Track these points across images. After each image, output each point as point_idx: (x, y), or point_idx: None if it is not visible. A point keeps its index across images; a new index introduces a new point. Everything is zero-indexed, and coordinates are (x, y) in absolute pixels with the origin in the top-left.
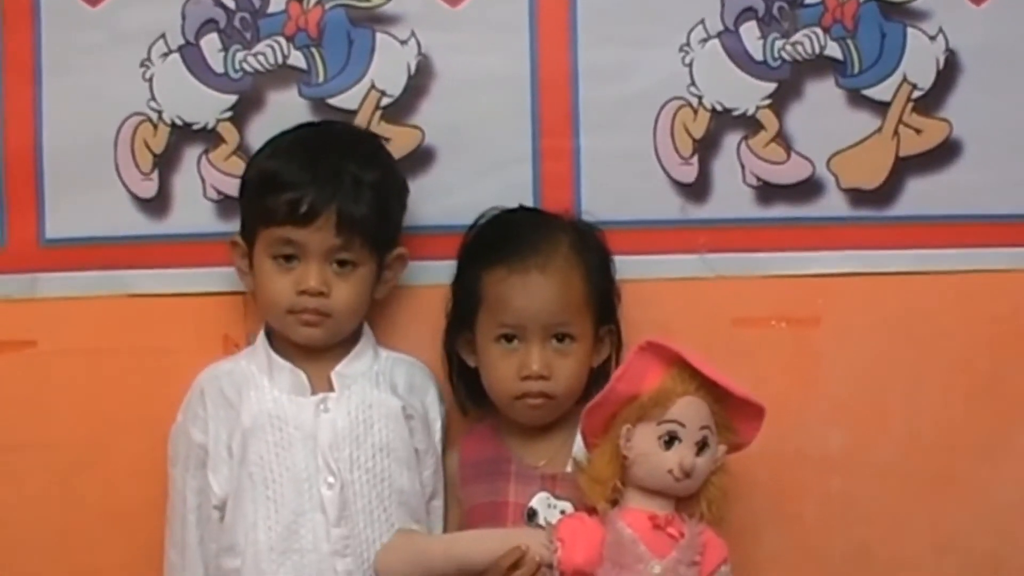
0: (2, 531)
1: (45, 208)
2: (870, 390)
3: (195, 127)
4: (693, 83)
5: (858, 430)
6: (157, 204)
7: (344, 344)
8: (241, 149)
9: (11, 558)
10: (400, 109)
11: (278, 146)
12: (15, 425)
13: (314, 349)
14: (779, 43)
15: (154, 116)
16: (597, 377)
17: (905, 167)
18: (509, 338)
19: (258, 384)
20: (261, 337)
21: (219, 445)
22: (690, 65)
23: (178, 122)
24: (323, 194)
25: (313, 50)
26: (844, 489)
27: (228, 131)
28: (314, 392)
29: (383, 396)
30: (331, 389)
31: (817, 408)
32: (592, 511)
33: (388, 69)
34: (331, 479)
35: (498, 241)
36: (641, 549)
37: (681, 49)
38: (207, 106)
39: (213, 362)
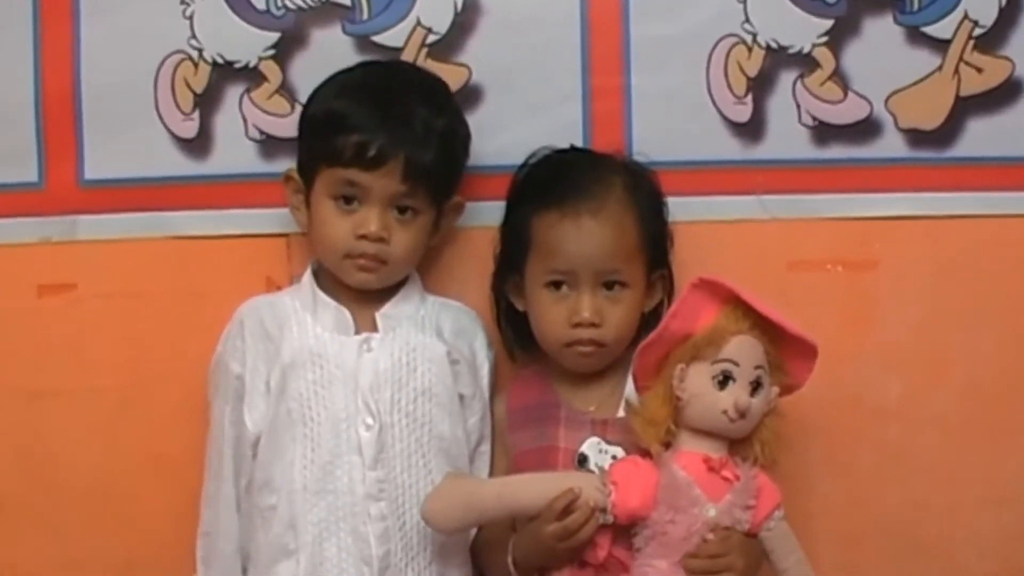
0: (45, 478)
1: (84, 149)
2: (928, 336)
3: (236, 65)
4: (747, 20)
5: (915, 377)
6: (198, 144)
7: (391, 287)
8: (284, 88)
9: (54, 504)
10: (446, 47)
11: (345, 85)
12: (56, 370)
13: (361, 291)
14: None
15: (195, 54)
16: (648, 323)
17: (965, 107)
18: (559, 284)
19: (300, 320)
20: (308, 275)
21: (256, 379)
22: (744, 1)
23: (219, 60)
24: (393, 139)
25: None
26: (900, 438)
27: (270, 69)
28: (358, 331)
29: (428, 340)
30: (375, 330)
31: (873, 354)
32: (644, 455)
33: (434, 5)
34: (370, 420)
35: (549, 183)
36: (696, 492)
37: None
38: (249, 44)
39: None
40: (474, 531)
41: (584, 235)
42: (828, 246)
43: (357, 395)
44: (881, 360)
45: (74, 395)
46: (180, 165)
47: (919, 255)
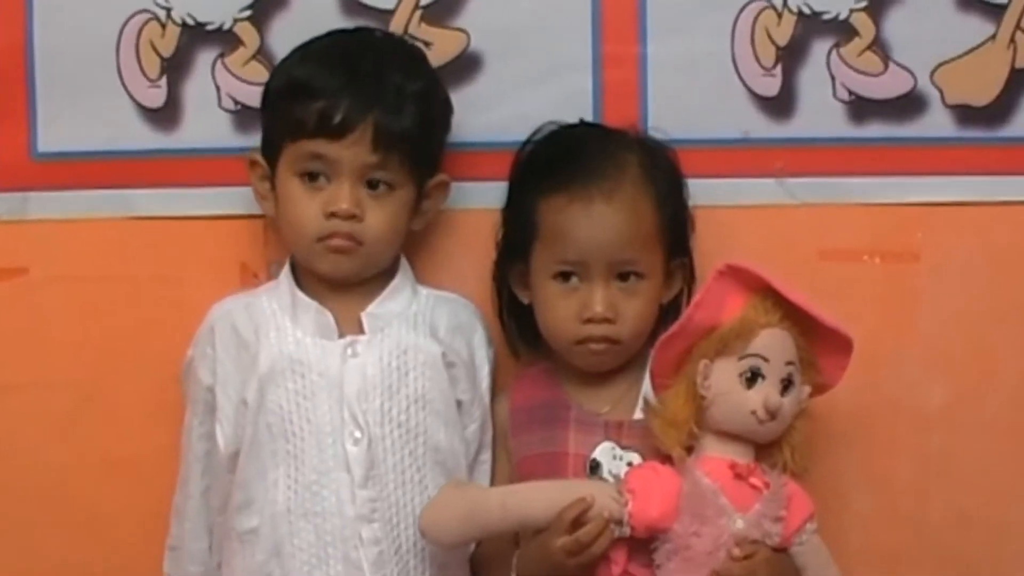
0: None
1: (37, 118)
2: (975, 334)
3: (209, 27)
4: None
5: (961, 380)
6: (165, 114)
7: (378, 281)
8: (261, 53)
9: (7, 508)
10: (443, 9)
11: (309, 51)
12: (7, 362)
13: (344, 286)
14: None
15: (162, 14)
16: (667, 315)
17: (1021, 80)
18: (568, 275)
19: (279, 324)
20: (285, 272)
21: (229, 391)
22: None
23: (190, 21)
24: (360, 102)
25: None
26: (944, 447)
27: (247, 32)
28: (342, 335)
29: (420, 340)
30: (361, 332)
31: (915, 355)
32: (664, 461)
33: None
34: (357, 433)
35: (557, 163)
36: (722, 501)
37: None
38: (223, 3)
39: (229, 295)
40: (472, 546)
41: (596, 221)
42: (864, 235)
43: (343, 406)
44: (923, 361)
45: (28, 390)
46: (145, 137)
47: (966, 245)
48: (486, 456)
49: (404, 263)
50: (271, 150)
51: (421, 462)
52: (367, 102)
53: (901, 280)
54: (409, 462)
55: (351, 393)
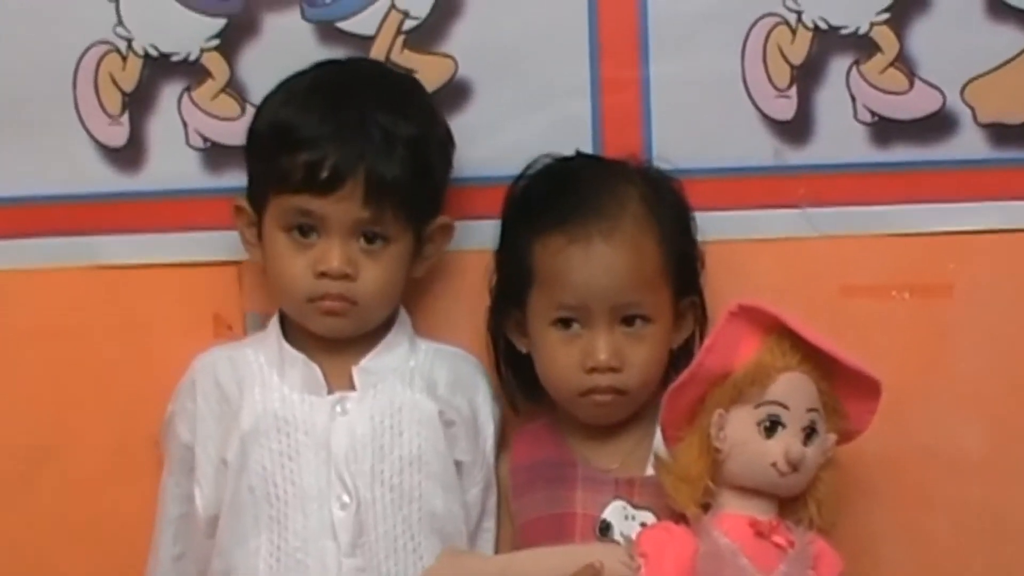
0: None
1: None
2: (1015, 374)
3: (174, 58)
4: None
5: (1001, 424)
6: (128, 154)
7: (374, 333)
8: (232, 86)
9: None
10: (427, 34)
11: (293, 91)
12: None
13: (337, 340)
14: None
15: (123, 45)
16: (677, 360)
17: None
18: (568, 322)
19: (265, 379)
20: (274, 322)
21: (208, 449)
22: None
23: (153, 52)
24: (348, 154)
25: None
26: (984, 498)
27: (215, 63)
28: (331, 391)
29: (416, 397)
30: (353, 388)
31: (949, 397)
32: (678, 520)
33: None
34: (345, 498)
35: (551, 200)
36: (743, 562)
37: None
38: (189, 32)
39: (200, 348)
40: None
41: (596, 262)
42: (891, 268)
43: (330, 467)
44: (958, 403)
45: None
46: (107, 179)
47: (1003, 276)
48: (490, 524)
49: (402, 314)
50: (256, 199)
51: (416, 529)
52: (356, 153)
53: (932, 316)
54: (402, 529)
55: (339, 453)
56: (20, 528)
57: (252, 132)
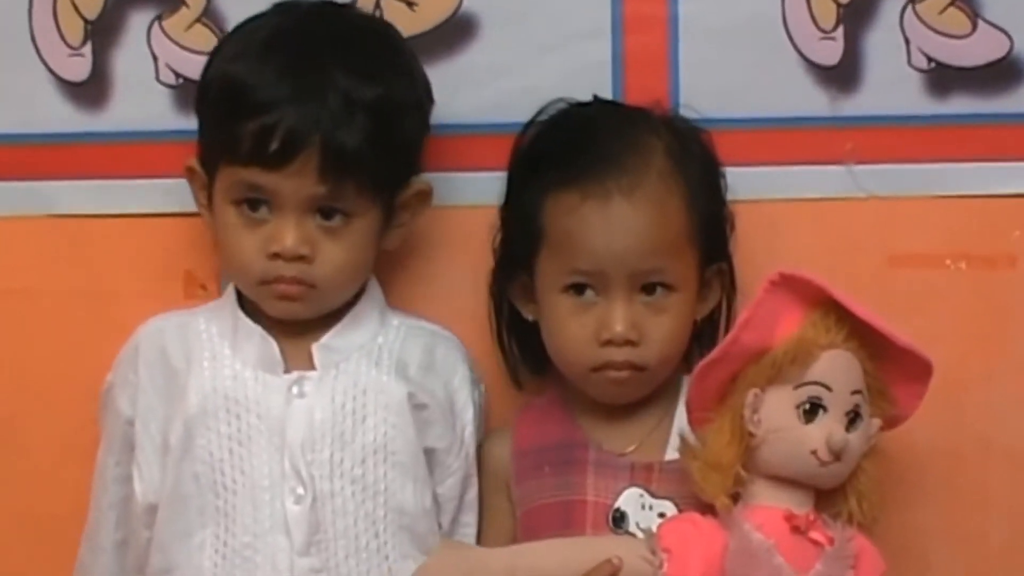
0: None
1: None
2: None
3: None
4: None
5: None
6: (90, 90)
7: (340, 307)
8: (208, 15)
9: None
10: None
11: (251, 39)
12: None
13: None
14: None
15: None
16: (701, 333)
17: None
18: (582, 288)
19: (216, 352)
20: (231, 289)
21: (150, 428)
22: None
23: None
24: (302, 122)
25: None
26: None
27: None
28: (288, 370)
29: (383, 379)
30: (313, 367)
31: (1009, 382)
32: (705, 511)
33: None
34: (300, 490)
35: (565, 152)
36: (777, 560)
37: None
38: None
39: (170, 310)
40: None
41: (614, 223)
42: (946, 235)
43: (284, 455)
44: (1019, 388)
45: None
46: (66, 119)
47: None
48: (470, 518)
49: (373, 285)
50: (207, 163)
51: (381, 526)
52: (311, 120)
53: (993, 289)
54: (365, 526)
55: (294, 440)
56: None
57: (201, 84)
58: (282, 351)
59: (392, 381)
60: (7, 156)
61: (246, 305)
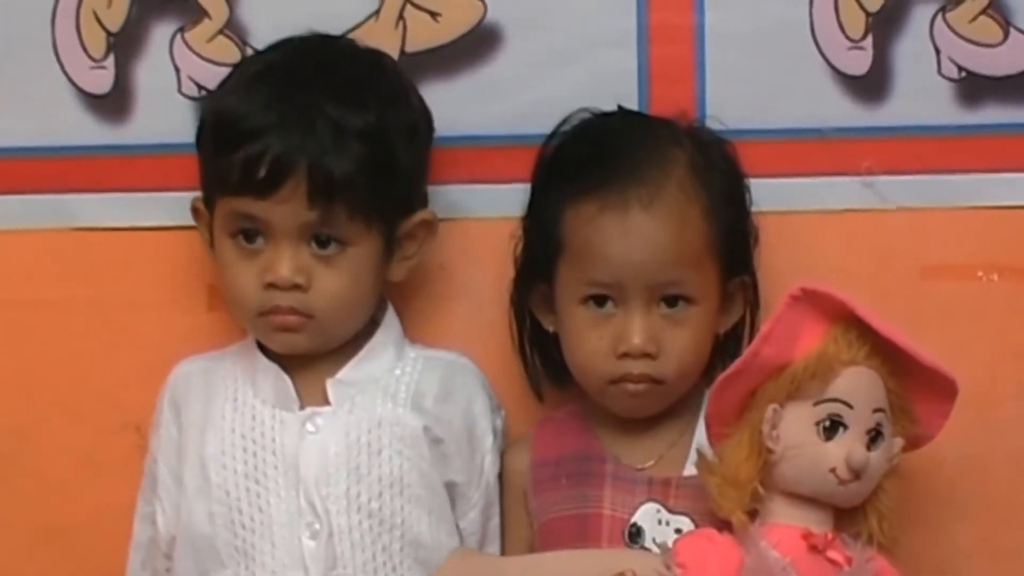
0: None
1: None
2: None
3: None
4: None
5: None
6: (113, 102)
7: (356, 340)
8: (231, 27)
9: None
10: None
11: (245, 73)
12: None
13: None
14: None
15: None
16: (725, 347)
17: None
18: (601, 300)
19: (238, 394)
20: None
21: (170, 463)
22: None
23: None
24: (289, 148)
25: None
26: None
27: (213, 2)
28: (304, 406)
29: (398, 411)
30: (328, 402)
31: None
32: (722, 528)
33: None
34: (316, 525)
35: (586, 161)
36: None
37: None
38: None
39: (193, 325)
40: None
41: (633, 234)
42: (978, 246)
43: (299, 491)
44: None
45: None
46: (88, 131)
47: None
48: (493, 548)
49: (390, 316)
50: (207, 199)
51: (397, 560)
52: (297, 146)
53: None
54: (383, 559)
55: (308, 476)
56: None
57: (199, 122)
58: (298, 388)
59: (408, 414)
60: (29, 169)
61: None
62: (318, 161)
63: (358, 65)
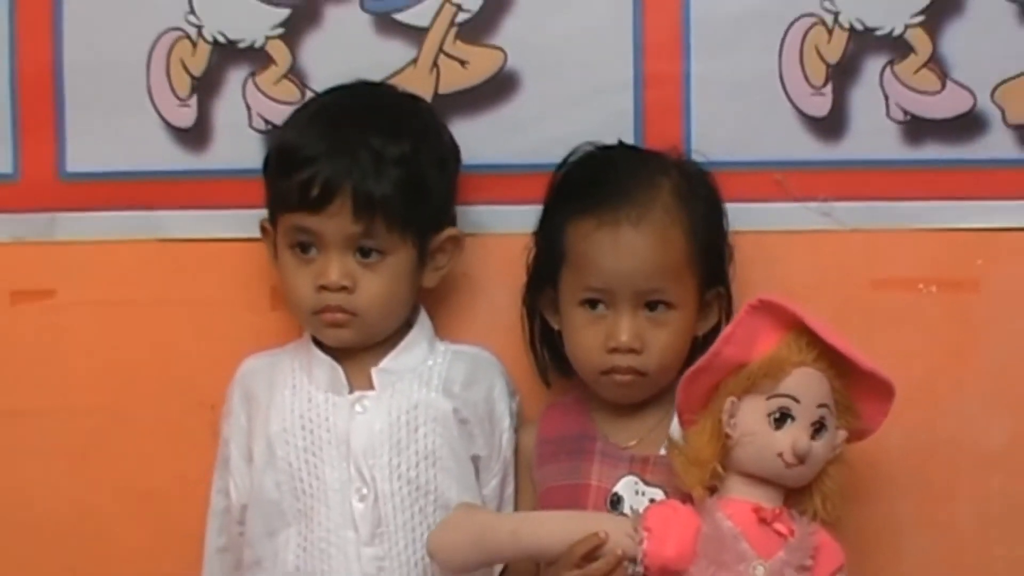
0: (13, 506)
1: (65, 137)
2: None
3: (240, 45)
4: None
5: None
6: (195, 134)
7: (395, 335)
8: (293, 72)
9: (21, 536)
10: (479, 26)
11: (303, 114)
12: (29, 386)
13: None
14: None
15: (193, 32)
16: (702, 347)
17: None
18: (594, 303)
19: (296, 382)
20: (308, 332)
21: (240, 444)
22: None
23: (221, 39)
24: (337, 172)
25: None
26: (1006, 490)
27: (279, 50)
28: (352, 391)
29: (431, 396)
30: (373, 387)
31: (975, 391)
32: (687, 500)
33: None
34: (364, 490)
35: (587, 186)
36: (743, 546)
37: None
38: (255, 21)
39: (258, 321)
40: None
41: (622, 248)
42: (920, 262)
43: (349, 462)
44: (984, 397)
45: (48, 415)
46: (174, 158)
47: None
48: (510, 511)
49: (423, 316)
50: (272, 217)
51: (431, 520)
52: (344, 171)
53: (960, 310)
54: (419, 520)
55: (357, 449)
56: (87, 491)
57: (266, 154)
58: (347, 375)
59: (440, 398)
60: (125, 190)
61: (320, 342)
62: (361, 183)
63: (396, 105)
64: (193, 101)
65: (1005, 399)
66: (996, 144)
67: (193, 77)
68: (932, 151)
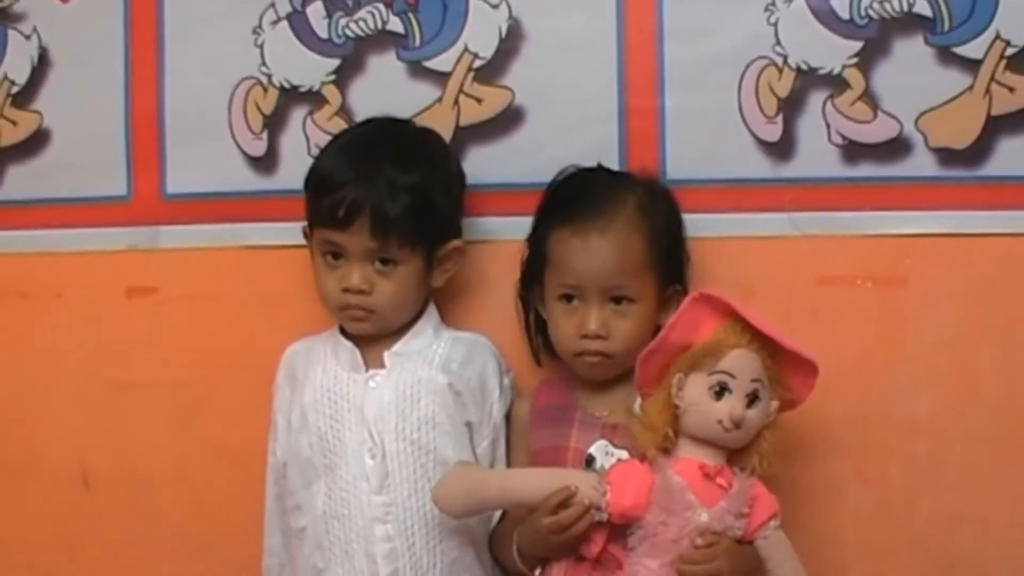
0: (128, 461)
1: (167, 165)
2: (958, 353)
3: (301, 89)
4: (778, 42)
5: (946, 393)
6: (266, 161)
7: (407, 324)
8: (343, 110)
9: (137, 486)
10: (492, 70)
11: (336, 144)
12: (140, 364)
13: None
14: (866, 1)
15: (264, 79)
16: None
17: (997, 126)
18: (570, 297)
19: (326, 363)
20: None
21: (284, 411)
22: (775, 24)
23: (286, 85)
24: (359, 197)
25: (410, 15)
26: (931, 453)
27: (331, 93)
28: (367, 370)
29: (432, 373)
30: (385, 367)
31: (903, 370)
32: (645, 459)
33: (480, 32)
34: (374, 449)
35: (566, 201)
36: (689, 497)
37: (767, 8)
38: (312, 70)
39: (320, 315)
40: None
41: (591, 252)
42: (858, 262)
43: (364, 426)
44: (911, 376)
45: (155, 387)
46: (251, 180)
47: (949, 272)
48: (500, 468)
49: (431, 309)
50: (310, 228)
51: (432, 474)
52: (364, 197)
53: (891, 303)
54: (420, 473)
55: (370, 416)
56: (187, 448)
57: (306, 177)
58: (365, 357)
59: (438, 374)
60: (211, 206)
61: (346, 330)
62: (378, 206)
63: (411, 139)
64: (265, 135)
65: (929, 377)
66: (920, 164)
67: (264, 115)
68: (866, 170)
